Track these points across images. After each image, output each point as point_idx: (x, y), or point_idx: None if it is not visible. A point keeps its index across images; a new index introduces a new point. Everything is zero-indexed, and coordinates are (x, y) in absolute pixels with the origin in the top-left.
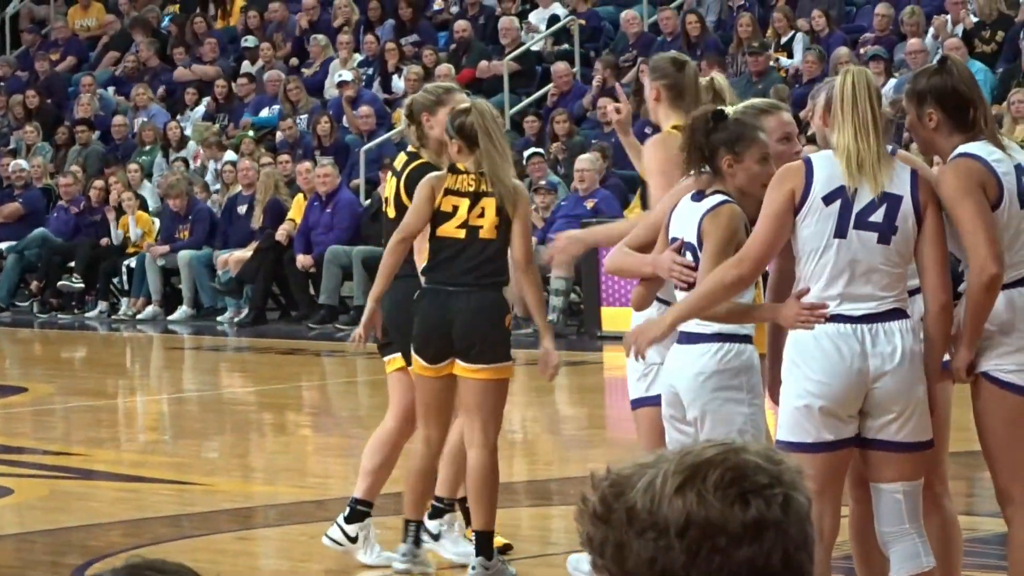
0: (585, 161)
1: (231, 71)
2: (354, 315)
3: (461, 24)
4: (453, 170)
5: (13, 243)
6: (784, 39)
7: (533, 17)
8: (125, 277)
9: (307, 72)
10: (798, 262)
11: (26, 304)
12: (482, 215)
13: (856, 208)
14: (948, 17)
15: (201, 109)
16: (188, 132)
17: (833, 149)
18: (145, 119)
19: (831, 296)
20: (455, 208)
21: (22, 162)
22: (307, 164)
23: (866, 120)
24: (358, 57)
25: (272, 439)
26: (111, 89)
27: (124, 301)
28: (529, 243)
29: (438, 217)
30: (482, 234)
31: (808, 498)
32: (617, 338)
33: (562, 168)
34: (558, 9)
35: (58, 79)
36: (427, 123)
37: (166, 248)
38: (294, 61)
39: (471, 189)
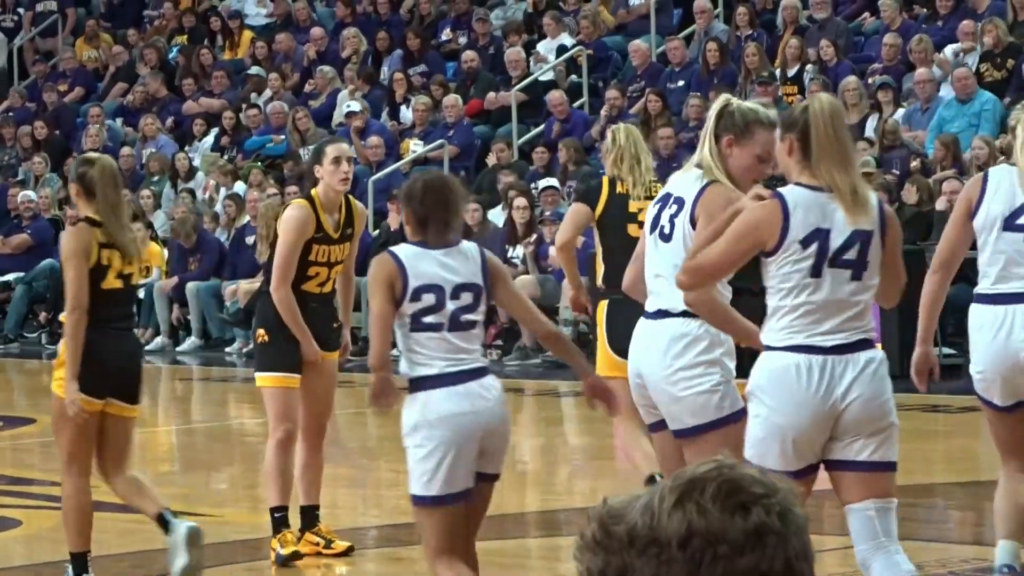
0: None
1: (239, 102)
2: (362, 345)
3: (469, 54)
4: (93, 223)
5: (21, 274)
6: (792, 71)
7: (541, 47)
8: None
9: (314, 103)
10: (768, 295)
11: (34, 335)
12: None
13: (832, 248)
14: (949, 49)
15: (210, 140)
16: (196, 163)
17: (812, 185)
18: (153, 150)
19: (801, 328)
20: (110, 260)
21: (30, 193)
22: None
23: (846, 150)
24: (366, 88)
25: None
26: (119, 120)
27: None
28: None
29: (97, 271)
30: (134, 280)
31: (806, 516)
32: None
33: (566, 201)
34: (566, 39)
35: (66, 110)
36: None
37: (175, 280)
38: (312, 81)
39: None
